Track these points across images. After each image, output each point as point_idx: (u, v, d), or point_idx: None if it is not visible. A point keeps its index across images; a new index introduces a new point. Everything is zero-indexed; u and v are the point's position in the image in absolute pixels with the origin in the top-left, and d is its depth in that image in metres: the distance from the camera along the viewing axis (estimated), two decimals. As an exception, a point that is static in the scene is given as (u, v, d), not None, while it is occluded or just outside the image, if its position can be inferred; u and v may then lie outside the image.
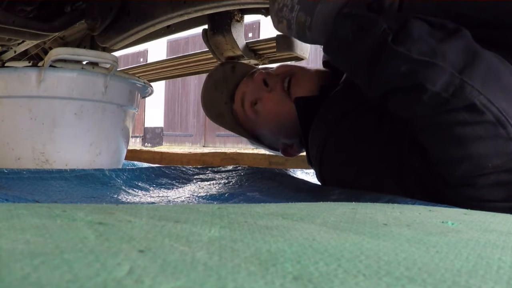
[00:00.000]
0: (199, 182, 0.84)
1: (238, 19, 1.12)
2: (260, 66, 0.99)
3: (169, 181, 0.83)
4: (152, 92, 1.09)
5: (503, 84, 0.49)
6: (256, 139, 0.92)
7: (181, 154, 2.13)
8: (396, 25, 0.51)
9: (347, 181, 0.66)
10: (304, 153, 0.88)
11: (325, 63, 0.87)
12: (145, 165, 1.20)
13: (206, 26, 1.17)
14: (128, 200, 0.64)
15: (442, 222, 0.33)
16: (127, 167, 0.88)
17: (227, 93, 0.91)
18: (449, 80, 0.47)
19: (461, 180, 0.52)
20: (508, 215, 0.40)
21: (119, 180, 0.75)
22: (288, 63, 1.00)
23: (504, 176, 0.50)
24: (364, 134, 0.64)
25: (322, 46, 0.60)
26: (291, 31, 0.61)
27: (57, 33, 1.26)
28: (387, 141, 0.61)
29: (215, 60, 1.24)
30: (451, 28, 0.51)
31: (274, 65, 0.94)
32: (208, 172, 0.94)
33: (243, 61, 1.17)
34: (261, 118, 0.84)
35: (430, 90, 0.48)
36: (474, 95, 0.47)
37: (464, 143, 0.49)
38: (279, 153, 0.92)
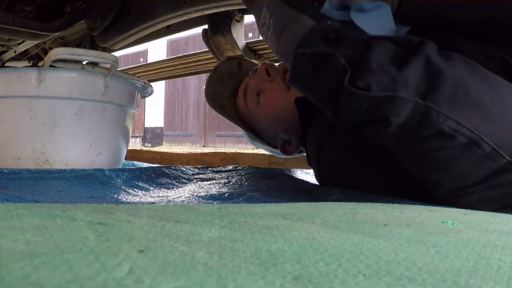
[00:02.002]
0: (199, 182, 0.84)
1: (238, 19, 1.12)
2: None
3: (169, 181, 0.83)
4: (152, 92, 1.09)
5: (472, 99, 0.46)
6: (255, 134, 0.91)
7: (181, 154, 2.13)
8: (355, 55, 0.49)
9: (344, 181, 0.66)
10: (304, 153, 0.88)
11: None
12: (145, 165, 1.20)
13: (206, 26, 1.17)
14: (128, 200, 0.64)
15: (442, 222, 0.33)
16: (127, 167, 0.88)
17: (231, 88, 0.91)
18: (414, 108, 0.46)
19: (445, 198, 0.51)
20: (508, 215, 0.40)
21: (119, 180, 0.75)
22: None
23: (487, 193, 0.49)
24: (357, 135, 0.64)
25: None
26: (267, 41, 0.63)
27: (57, 33, 1.26)
28: (377, 146, 0.61)
29: (215, 60, 1.24)
30: (415, 43, 0.49)
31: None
32: (208, 172, 0.94)
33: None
34: (262, 110, 0.84)
35: (395, 122, 0.47)
36: (441, 120, 0.45)
37: (440, 166, 0.48)
38: (278, 152, 0.92)
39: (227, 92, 0.91)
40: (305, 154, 0.86)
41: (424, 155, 0.49)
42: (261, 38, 1.19)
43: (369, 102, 0.47)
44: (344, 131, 0.66)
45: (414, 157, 0.51)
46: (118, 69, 0.93)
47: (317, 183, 0.77)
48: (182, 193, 0.72)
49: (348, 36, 0.52)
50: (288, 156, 0.90)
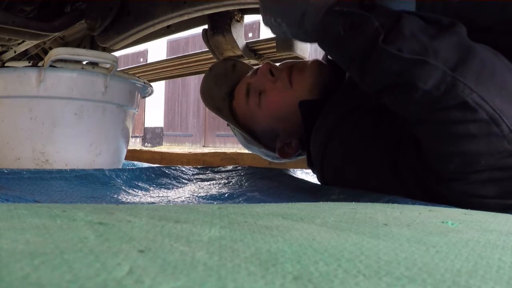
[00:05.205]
0: (199, 182, 0.84)
1: (238, 19, 1.12)
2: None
3: (169, 181, 0.83)
4: (152, 92, 1.09)
5: (497, 80, 0.48)
6: (252, 136, 0.89)
7: (181, 154, 2.13)
8: (388, 22, 0.50)
9: (348, 180, 0.66)
10: (301, 157, 0.87)
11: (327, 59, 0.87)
12: (145, 165, 1.20)
13: (206, 26, 1.17)
14: (128, 200, 0.64)
15: (442, 222, 0.33)
16: (127, 167, 0.88)
17: (226, 90, 0.91)
18: (441, 78, 0.47)
19: (453, 174, 0.52)
20: (508, 215, 0.40)
21: (119, 180, 0.75)
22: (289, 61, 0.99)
23: (497, 173, 0.50)
24: (364, 133, 0.64)
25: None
26: (289, 36, 0.64)
27: (57, 33, 1.26)
28: (386, 140, 0.61)
29: (215, 60, 1.24)
30: (445, 23, 0.51)
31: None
32: (208, 172, 0.94)
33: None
34: (263, 110, 0.83)
35: (421, 89, 0.48)
36: (467, 93, 0.47)
37: (456, 140, 0.49)
38: (274, 156, 0.90)
39: (222, 94, 0.91)
40: (303, 156, 0.86)
41: (442, 126, 0.49)
42: (261, 38, 1.19)
43: (399, 64, 0.49)
44: (348, 129, 0.66)
45: (432, 128, 0.51)
46: (118, 69, 0.93)
47: (317, 183, 0.77)
48: (182, 193, 0.72)
49: (381, 6, 0.54)
50: (286, 160, 0.88)
